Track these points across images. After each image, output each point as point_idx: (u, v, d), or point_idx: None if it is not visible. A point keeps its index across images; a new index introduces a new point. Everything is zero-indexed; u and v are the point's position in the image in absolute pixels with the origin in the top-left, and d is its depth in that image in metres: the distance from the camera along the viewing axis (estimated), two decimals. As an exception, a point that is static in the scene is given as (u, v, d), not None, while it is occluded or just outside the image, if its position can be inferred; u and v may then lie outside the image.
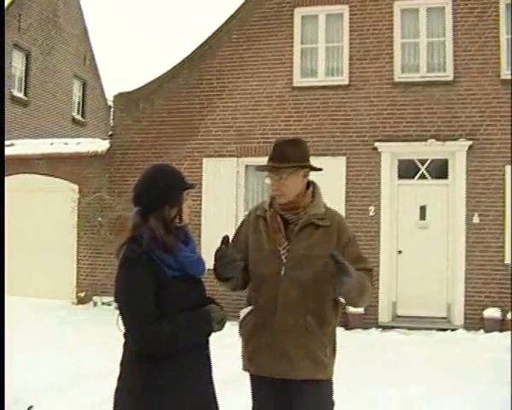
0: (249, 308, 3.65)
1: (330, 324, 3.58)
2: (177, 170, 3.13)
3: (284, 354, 3.47)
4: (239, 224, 3.89)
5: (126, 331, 2.91)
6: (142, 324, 2.80)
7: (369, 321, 12.06)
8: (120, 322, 2.94)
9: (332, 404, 3.63)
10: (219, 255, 3.31)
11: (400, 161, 12.64)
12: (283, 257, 3.53)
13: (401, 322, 12.23)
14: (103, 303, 13.73)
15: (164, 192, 2.98)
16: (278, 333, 3.48)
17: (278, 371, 3.50)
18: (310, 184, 3.68)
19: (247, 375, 3.80)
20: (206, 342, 3.10)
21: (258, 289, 3.61)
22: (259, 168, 3.71)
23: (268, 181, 3.70)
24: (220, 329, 3.06)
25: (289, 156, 3.52)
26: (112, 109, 15.49)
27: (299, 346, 3.47)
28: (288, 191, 3.54)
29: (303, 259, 3.49)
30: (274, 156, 3.57)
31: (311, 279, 3.46)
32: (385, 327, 12.06)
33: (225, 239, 3.29)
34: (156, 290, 2.86)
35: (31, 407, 6.30)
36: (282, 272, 3.51)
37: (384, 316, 12.30)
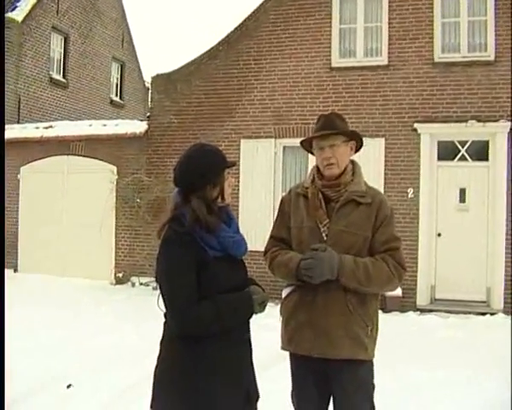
0: (292, 287, 3.64)
1: (372, 303, 3.57)
2: (217, 149, 3.10)
3: (324, 332, 3.46)
4: (279, 202, 3.87)
5: (167, 312, 2.91)
6: (183, 305, 2.79)
7: (406, 304, 11.97)
8: (161, 302, 2.93)
9: (372, 386, 3.60)
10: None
11: (440, 143, 12.47)
12: (324, 234, 3.52)
13: (439, 305, 12.12)
14: (141, 284, 13.84)
15: (205, 171, 2.95)
16: (319, 311, 3.47)
17: (318, 349, 3.48)
18: (349, 162, 3.68)
19: (285, 358, 3.78)
20: (247, 325, 3.08)
21: None
22: (308, 139, 3.71)
23: (317, 153, 3.66)
24: (262, 311, 3.04)
25: (340, 127, 3.59)
26: (150, 91, 15.53)
27: (339, 325, 3.45)
28: (341, 160, 3.56)
29: (343, 236, 3.49)
30: (325, 126, 3.60)
31: None
32: (423, 310, 11.96)
33: None
34: (197, 271, 2.85)
35: (69, 385, 6.40)
36: None
37: (422, 299, 12.20)
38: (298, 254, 3.54)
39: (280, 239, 3.75)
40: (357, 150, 3.71)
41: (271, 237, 3.86)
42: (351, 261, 3.41)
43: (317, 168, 3.69)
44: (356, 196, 3.54)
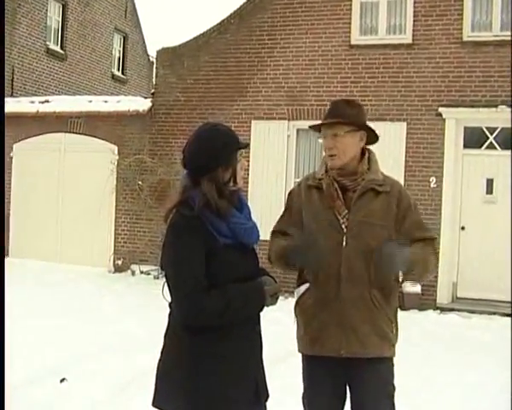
0: (306, 285, 3.65)
1: (394, 298, 3.62)
2: (230, 129, 3.12)
3: (353, 330, 3.49)
4: (287, 196, 3.87)
5: (172, 302, 2.93)
6: (191, 294, 2.81)
7: (426, 302, 12.00)
8: (166, 291, 2.96)
9: (393, 387, 3.63)
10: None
11: (466, 129, 12.44)
12: (343, 226, 3.54)
13: (461, 304, 12.14)
14: (142, 272, 13.92)
15: (217, 152, 2.97)
16: (345, 308, 3.50)
17: (347, 348, 3.50)
18: (365, 151, 3.69)
19: (294, 354, 3.81)
20: (258, 318, 3.10)
21: (318, 262, 3.58)
22: (314, 126, 3.75)
23: (322, 141, 3.70)
24: (274, 303, 3.06)
25: (347, 114, 3.57)
26: (154, 66, 15.59)
27: (366, 321, 3.49)
28: (343, 151, 3.56)
29: (364, 227, 3.51)
30: (330, 113, 3.63)
31: (374, 249, 3.46)
32: (443, 309, 11.98)
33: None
34: (206, 258, 2.87)
35: (63, 379, 6.47)
36: (344, 243, 3.52)
37: (443, 297, 12.22)
38: (294, 238, 3.56)
39: (283, 233, 3.74)
40: (372, 142, 3.71)
41: (274, 232, 3.86)
42: (416, 253, 3.50)
43: None
44: (374, 185, 3.56)
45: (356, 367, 3.54)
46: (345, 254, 3.50)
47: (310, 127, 3.86)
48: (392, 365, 3.65)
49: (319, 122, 3.69)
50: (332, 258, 3.51)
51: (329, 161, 3.62)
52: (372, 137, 3.69)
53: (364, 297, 3.49)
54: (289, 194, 3.86)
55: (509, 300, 12.08)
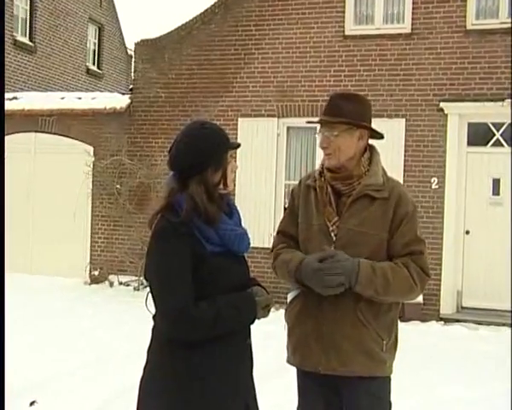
0: (298, 291, 3.69)
1: (388, 313, 3.58)
2: (219, 127, 3.16)
3: (333, 345, 3.50)
4: (290, 194, 3.93)
5: (157, 314, 2.95)
6: (177, 305, 2.83)
7: (428, 312, 12.05)
8: (150, 302, 2.99)
9: (389, 404, 3.67)
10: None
11: (470, 125, 12.49)
12: (333, 234, 3.56)
13: (467, 315, 12.18)
14: (121, 283, 13.91)
15: (207, 153, 3.00)
16: (326, 321, 3.52)
17: (326, 365, 3.53)
18: (367, 148, 3.68)
19: (288, 370, 3.84)
20: (248, 331, 3.13)
21: None
22: (310, 122, 3.77)
23: (318, 138, 3.73)
24: (265, 315, 3.10)
25: (344, 111, 3.56)
26: (133, 59, 15.53)
27: (350, 337, 3.49)
28: (339, 151, 3.57)
29: (355, 237, 3.51)
30: (327, 110, 3.63)
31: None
32: (447, 320, 12.02)
33: None
34: (194, 267, 2.90)
35: (33, 402, 6.43)
36: None
37: (447, 307, 12.26)
38: (300, 254, 3.60)
39: (289, 236, 3.79)
40: (377, 133, 3.69)
41: (278, 232, 3.90)
42: (368, 267, 3.42)
43: None
44: (370, 191, 3.55)
45: (347, 385, 3.55)
46: None
47: (307, 122, 3.87)
48: (389, 381, 3.66)
49: (317, 119, 3.71)
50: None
51: (326, 159, 3.64)
52: (376, 134, 3.69)
53: (348, 311, 3.49)
54: (291, 192, 3.91)
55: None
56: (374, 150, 3.72)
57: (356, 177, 3.59)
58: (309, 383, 3.68)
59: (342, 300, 3.46)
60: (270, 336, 5.88)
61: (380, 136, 3.70)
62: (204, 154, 2.99)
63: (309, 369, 3.60)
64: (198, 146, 3.00)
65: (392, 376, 3.67)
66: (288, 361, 3.75)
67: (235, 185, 12.87)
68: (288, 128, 13.31)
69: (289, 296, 3.76)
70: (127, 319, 10.36)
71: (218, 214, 2.99)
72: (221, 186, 3.06)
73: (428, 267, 3.59)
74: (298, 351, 3.64)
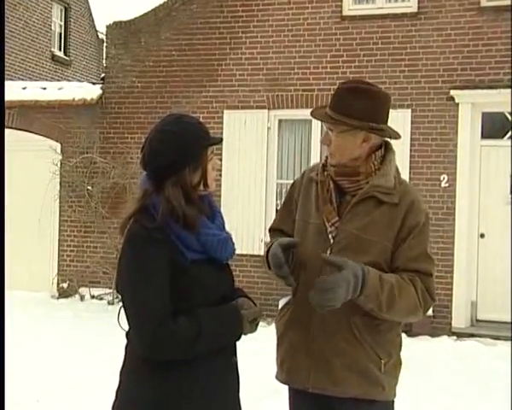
0: (289, 297, 3.71)
1: (388, 329, 3.57)
2: (199, 121, 3.16)
3: (323, 361, 3.50)
4: (290, 187, 3.93)
5: (131, 331, 2.96)
6: (153, 321, 2.83)
7: (439, 326, 12.05)
8: (123, 318, 2.99)
9: None
10: (276, 263, 3.46)
11: (485, 115, 12.50)
12: (331, 236, 3.55)
13: (482, 329, 12.19)
14: (93, 297, 13.90)
15: (184, 150, 3.00)
16: (316, 334, 3.52)
17: (315, 383, 3.52)
18: (381, 145, 3.65)
19: (278, 392, 3.85)
20: (233, 348, 3.14)
21: (299, 275, 3.62)
22: (314, 114, 3.74)
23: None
24: (253, 330, 3.11)
25: (350, 109, 3.49)
26: (104, 44, 15.54)
27: (342, 354, 3.48)
28: (339, 152, 3.56)
29: (355, 242, 3.49)
30: (332, 103, 3.59)
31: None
32: (461, 335, 12.02)
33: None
34: (171, 278, 2.90)
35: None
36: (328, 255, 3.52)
37: (460, 320, 12.27)
38: (278, 239, 3.62)
39: (280, 232, 3.81)
40: (387, 136, 3.64)
41: (270, 229, 3.95)
42: (376, 279, 3.37)
43: None
44: (378, 193, 3.52)
45: (342, 407, 3.53)
46: (325, 269, 3.47)
47: (311, 114, 3.79)
48: (391, 406, 3.65)
49: (326, 110, 3.61)
50: (311, 271, 3.52)
51: (328, 156, 3.64)
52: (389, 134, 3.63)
53: (342, 325, 3.48)
54: (292, 185, 3.91)
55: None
56: (389, 148, 3.68)
57: (363, 174, 3.56)
58: (299, 403, 3.69)
59: (336, 310, 3.38)
60: (259, 354, 5.89)
61: (394, 136, 3.63)
62: (181, 151, 2.99)
63: (297, 386, 3.61)
64: (174, 143, 2.99)
65: (396, 399, 3.66)
66: (276, 377, 3.75)
67: (220, 186, 12.97)
68: (280, 121, 13.32)
69: (280, 303, 3.77)
70: (99, 337, 10.34)
71: (198, 218, 3.00)
72: (201, 187, 3.07)
73: (435, 292, 3.56)
74: (285, 364, 3.65)
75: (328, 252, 3.51)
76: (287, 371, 3.64)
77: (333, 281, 3.25)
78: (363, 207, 3.53)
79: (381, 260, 3.48)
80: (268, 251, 3.63)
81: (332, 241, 3.54)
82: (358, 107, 3.48)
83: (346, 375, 3.48)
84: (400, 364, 3.67)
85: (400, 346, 3.67)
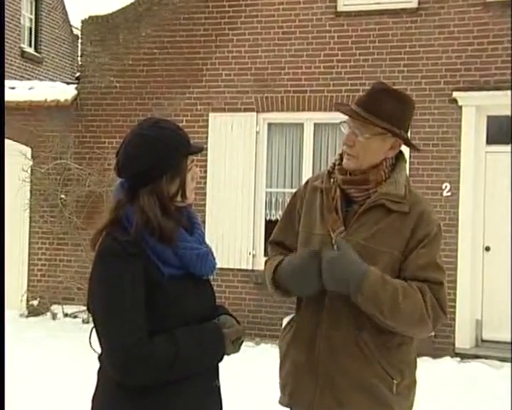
0: (293, 314, 3.76)
1: (400, 346, 3.60)
2: (178, 126, 3.16)
3: (328, 381, 3.53)
4: (291, 197, 3.97)
5: (103, 353, 2.95)
6: (127, 342, 2.83)
7: (441, 346, 12.06)
8: (95, 340, 2.98)
9: None
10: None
11: (490, 119, 12.51)
12: (336, 248, 3.56)
13: (489, 349, 12.19)
14: (66, 315, 13.87)
15: (161, 158, 3.00)
16: (320, 351, 3.55)
17: (320, 403, 3.55)
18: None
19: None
20: (216, 370, 3.15)
21: None
22: (338, 107, 3.73)
23: (343, 130, 3.74)
24: (236, 350, 3.12)
25: (385, 112, 3.55)
26: (79, 41, 15.52)
27: (349, 372, 3.51)
28: (364, 156, 3.59)
29: (363, 253, 3.52)
30: (365, 102, 3.62)
31: None
32: (465, 356, 12.03)
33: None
34: (147, 295, 2.90)
35: None
36: None
37: (464, 340, 12.27)
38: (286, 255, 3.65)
39: (282, 246, 3.85)
40: (413, 147, 3.86)
41: (270, 242, 3.98)
42: (378, 276, 3.41)
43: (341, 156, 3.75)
44: (387, 201, 3.57)
45: None
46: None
47: (335, 107, 3.83)
48: None
49: (352, 107, 3.66)
50: (316, 284, 3.54)
51: (345, 159, 3.66)
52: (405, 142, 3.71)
53: (348, 341, 3.51)
54: (294, 195, 3.95)
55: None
56: (400, 156, 3.74)
57: (373, 182, 3.62)
58: None
59: (342, 326, 3.48)
60: (244, 377, 5.86)
61: (415, 148, 3.85)
62: (158, 158, 2.99)
63: (301, 409, 3.61)
64: (150, 149, 3.00)
65: None
66: (279, 401, 3.77)
67: (205, 195, 12.95)
68: (270, 125, 13.33)
69: (284, 321, 3.80)
70: (72, 360, 10.29)
71: (175, 231, 3.00)
72: (179, 198, 3.07)
73: (447, 304, 3.61)
74: (288, 386, 3.67)
75: None
76: (290, 393, 3.67)
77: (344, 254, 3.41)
78: (370, 216, 3.59)
79: (388, 270, 3.51)
80: (277, 267, 3.66)
81: (337, 252, 3.55)
82: (392, 111, 3.57)
83: (353, 395, 3.51)
84: (415, 385, 3.70)
85: (415, 365, 3.71)
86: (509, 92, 12.09)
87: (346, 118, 3.67)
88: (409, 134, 3.73)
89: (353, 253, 3.42)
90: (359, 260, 3.41)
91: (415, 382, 3.69)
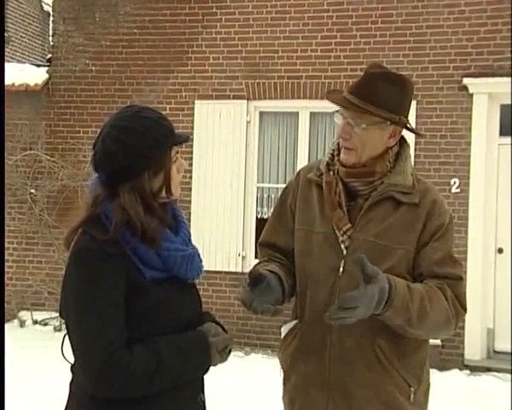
0: (293, 322, 3.74)
1: (417, 350, 3.63)
2: (161, 115, 3.16)
3: (342, 393, 3.54)
4: (282, 191, 3.95)
5: (77, 363, 2.95)
6: (104, 352, 2.83)
7: (449, 358, 12.09)
8: (67, 349, 2.98)
9: None
10: (258, 290, 3.37)
11: (504, 108, 12.53)
12: (343, 246, 3.59)
13: (501, 362, 12.23)
14: (36, 322, 13.88)
15: (143, 152, 3.00)
16: (332, 362, 3.56)
17: None
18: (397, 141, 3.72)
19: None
20: (200, 383, 3.16)
21: (305, 294, 3.67)
22: (329, 96, 3.71)
23: (337, 121, 3.73)
24: (223, 360, 3.13)
25: (382, 98, 3.54)
26: (51, 19, 15.49)
27: (365, 383, 3.53)
28: (362, 148, 3.60)
29: (373, 250, 3.52)
30: (359, 89, 3.60)
31: None
32: (475, 368, 12.06)
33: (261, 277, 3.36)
34: (127, 300, 2.91)
35: None
36: (341, 269, 3.57)
37: (474, 351, 12.30)
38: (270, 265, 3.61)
39: (273, 247, 3.84)
40: (415, 132, 3.87)
41: (259, 244, 3.97)
42: (405, 290, 3.38)
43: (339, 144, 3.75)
44: (395, 192, 3.59)
45: None
46: (341, 285, 3.53)
47: (327, 97, 3.75)
48: None
49: (344, 95, 3.63)
50: (323, 290, 3.57)
51: (343, 153, 3.66)
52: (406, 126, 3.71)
53: (364, 350, 3.52)
54: (285, 188, 3.94)
55: None
56: (403, 143, 3.76)
57: (378, 174, 3.63)
58: None
59: (354, 332, 3.46)
60: (232, 390, 5.86)
61: (418, 134, 3.91)
62: (139, 154, 2.99)
63: None
64: (131, 143, 2.99)
65: None
66: None
67: (190, 190, 12.95)
68: (261, 114, 13.35)
69: (283, 330, 3.79)
70: (42, 372, 10.29)
71: (159, 230, 3.00)
72: (163, 193, 3.07)
73: (466, 299, 3.63)
74: (297, 401, 3.67)
75: (342, 265, 3.56)
76: (299, 408, 3.66)
77: (357, 298, 3.18)
78: (379, 211, 3.60)
79: (402, 267, 3.54)
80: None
81: (345, 252, 3.59)
82: (390, 97, 3.56)
83: (369, 407, 3.53)
84: (429, 390, 3.73)
85: (428, 370, 3.73)
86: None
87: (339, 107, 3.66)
88: (413, 124, 3.73)
89: (381, 274, 3.27)
90: (384, 278, 3.28)
91: (429, 386, 3.72)
